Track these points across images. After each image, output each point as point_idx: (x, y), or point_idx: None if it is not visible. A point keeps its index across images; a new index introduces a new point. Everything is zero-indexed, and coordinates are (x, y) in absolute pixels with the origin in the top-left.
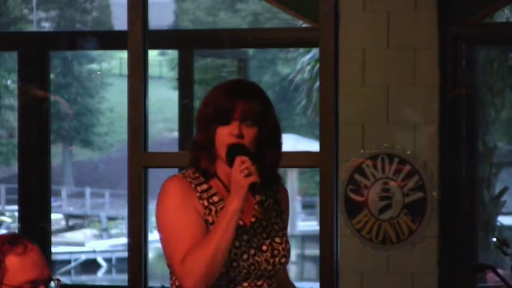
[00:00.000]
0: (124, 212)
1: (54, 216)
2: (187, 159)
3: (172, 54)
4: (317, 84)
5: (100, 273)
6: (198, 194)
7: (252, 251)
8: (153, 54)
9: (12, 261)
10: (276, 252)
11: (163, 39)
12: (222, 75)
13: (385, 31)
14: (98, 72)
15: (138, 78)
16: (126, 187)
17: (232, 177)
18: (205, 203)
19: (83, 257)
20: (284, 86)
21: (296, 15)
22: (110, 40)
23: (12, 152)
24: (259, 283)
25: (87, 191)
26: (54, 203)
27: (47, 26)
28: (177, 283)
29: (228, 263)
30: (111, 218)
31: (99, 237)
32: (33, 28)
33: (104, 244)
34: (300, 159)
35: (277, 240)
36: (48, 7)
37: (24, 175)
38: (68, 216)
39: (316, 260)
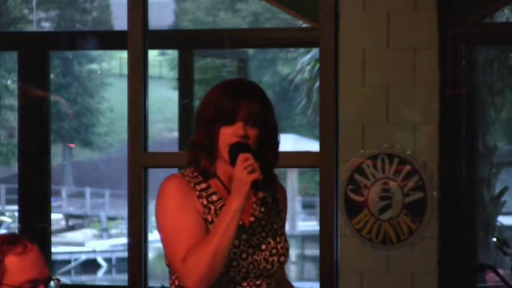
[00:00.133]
0: (124, 212)
1: (54, 216)
2: (186, 159)
3: (172, 54)
4: (317, 84)
5: (100, 273)
6: (197, 193)
7: (251, 250)
8: (153, 54)
9: (11, 261)
10: (274, 251)
11: (163, 39)
12: (222, 75)
13: (385, 31)
14: (98, 72)
15: (138, 78)
16: (126, 187)
17: (235, 174)
18: (205, 202)
19: (83, 257)
20: (284, 86)
21: (296, 15)
22: (110, 40)
23: (12, 152)
24: (258, 282)
25: (87, 191)
26: (54, 203)
27: (47, 26)
28: (176, 282)
29: (227, 262)
30: (111, 218)
31: (99, 237)
32: (33, 28)
33: (104, 244)
34: (300, 159)
35: (276, 239)
36: (48, 7)
37: (24, 175)
38: (68, 216)
39: (316, 260)
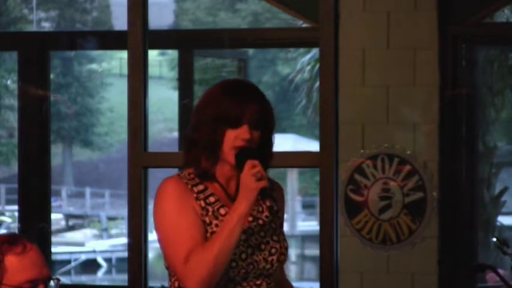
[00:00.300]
0: (124, 212)
1: (54, 216)
2: (184, 159)
3: (172, 54)
4: (317, 84)
5: (100, 273)
6: (194, 195)
7: (250, 251)
8: (153, 54)
9: (11, 260)
10: (273, 250)
11: (163, 39)
12: (222, 75)
13: (385, 31)
14: (100, 70)
15: (138, 78)
16: (126, 187)
17: (242, 180)
18: (202, 204)
19: (83, 257)
20: (284, 86)
21: (296, 15)
22: (110, 40)
23: (12, 152)
24: (258, 282)
25: (87, 191)
26: (54, 203)
27: (47, 26)
28: (176, 284)
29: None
30: (111, 218)
31: (99, 237)
32: (33, 28)
33: (104, 244)
34: (300, 159)
35: (275, 238)
36: (48, 7)
37: (24, 175)
38: (68, 216)
39: (316, 260)
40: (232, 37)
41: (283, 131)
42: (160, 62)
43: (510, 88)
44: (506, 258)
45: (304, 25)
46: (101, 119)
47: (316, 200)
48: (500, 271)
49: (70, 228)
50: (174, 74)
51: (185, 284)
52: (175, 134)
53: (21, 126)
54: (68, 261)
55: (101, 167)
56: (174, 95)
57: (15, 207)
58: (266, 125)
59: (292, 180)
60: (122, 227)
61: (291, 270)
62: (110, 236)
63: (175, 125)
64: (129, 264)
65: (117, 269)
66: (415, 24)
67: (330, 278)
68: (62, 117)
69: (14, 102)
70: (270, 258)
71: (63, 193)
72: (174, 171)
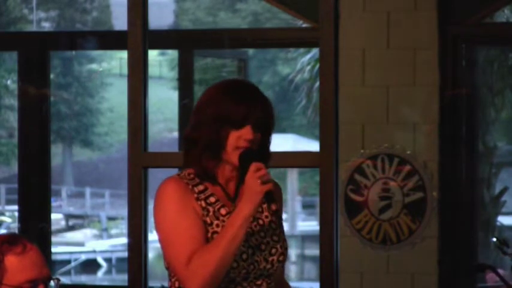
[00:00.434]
0: (124, 212)
1: (54, 216)
2: (183, 158)
3: (172, 54)
4: (317, 84)
5: (100, 273)
6: (195, 195)
7: (251, 251)
8: (153, 54)
9: (11, 260)
10: (274, 250)
11: (163, 39)
12: (222, 75)
13: (385, 31)
14: (100, 70)
15: (138, 78)
16: (126, 187)
17: (246, 182)
18: (203, 204)
19: (83, 257)
20: (284, 86)
21: (296, 15)
22: (110, 40)
23: (12, 152)
24: (258, 282)
25: (87, 191)
26: (54, 203)
27: (47, 26)
28: (176, 284)
29: None
30: (111, 218)
31: (99, 237)
32: (33, 28)
33: (104, 244)
34: (300, 159)
35: (275, 238)
36: (48, 7)
37: (24, 175)
38: (68, 216)
39: (316, 260)
40: (232, 37)
41: (283, 131)
42: (160, 62)
43: (510, 88)
44: (506, 258)
45: (304, 25)
46: (101, 119)
47: (316, 200)
48: (500, 271)
49: (70, 228)
50: (174, 74)
51: (186, 285)
52: (175, 134)
53: (21, 126)
54: (68, 261)
55: (101, 167)
56: (174, 95)
57: (15, 207)
58: (267, 125)
59: (292, 180)
60: (122, 227)
61: (291, 270)
62: (110, 236)
63: (175, 125)
64: (129, 264)
65: (117, 269)
66: (415, 24)
67: (330, 278)
68: (62, 117)
69: (14, 102)
70: (270, 258)
71: (63, 193)
72: (174, 171)
